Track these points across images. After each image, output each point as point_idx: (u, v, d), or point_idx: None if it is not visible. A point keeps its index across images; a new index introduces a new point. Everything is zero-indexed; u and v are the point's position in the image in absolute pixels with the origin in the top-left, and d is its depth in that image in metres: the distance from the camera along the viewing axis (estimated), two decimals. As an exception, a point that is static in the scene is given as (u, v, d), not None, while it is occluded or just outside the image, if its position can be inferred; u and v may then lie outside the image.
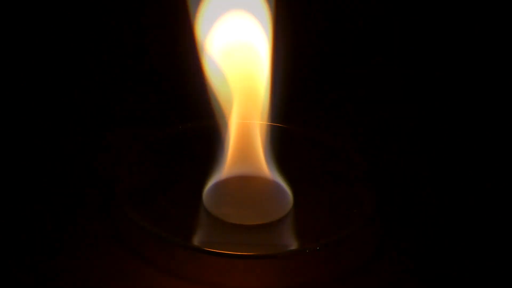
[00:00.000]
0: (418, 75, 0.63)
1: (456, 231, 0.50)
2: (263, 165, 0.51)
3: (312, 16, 0.63)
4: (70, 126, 0.58)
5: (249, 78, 0.51)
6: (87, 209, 0.50)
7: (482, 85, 0.62)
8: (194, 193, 0.51)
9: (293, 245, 0.48)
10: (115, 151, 0.55)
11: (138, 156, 0.52)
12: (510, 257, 0.49)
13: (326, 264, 0.47)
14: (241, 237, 0.48)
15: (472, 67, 0.62)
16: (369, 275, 0.47)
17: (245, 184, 0.51)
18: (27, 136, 0.56)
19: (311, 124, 0.57)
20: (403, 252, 0.49)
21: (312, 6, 0.64)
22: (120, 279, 0.46)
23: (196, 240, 0.48)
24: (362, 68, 0.63)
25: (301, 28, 0.63)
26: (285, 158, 0.52)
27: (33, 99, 0.60)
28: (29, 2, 0.62)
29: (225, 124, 0.51)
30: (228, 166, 0.51)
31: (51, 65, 0.62)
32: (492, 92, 0.61)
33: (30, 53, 0.62)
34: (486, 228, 0.51)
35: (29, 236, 0.49)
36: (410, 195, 0.53)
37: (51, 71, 0.61)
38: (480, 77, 0.62)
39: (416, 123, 0.60)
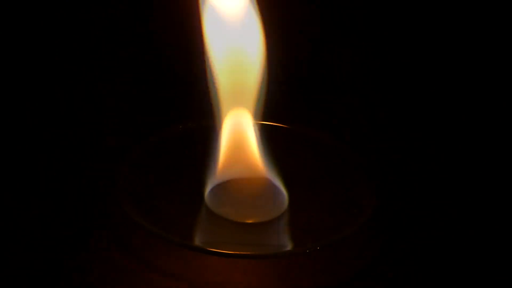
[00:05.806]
0: (418, 75, 0.63)
1: (457, 231, 0.50)
2: (260, 165, 0.51)
3: (310, 15, 0.63)
4: (69, 126, 0.58)
5: (239, 72, 0.51)
6: (86, 210, 0.50)
7: (482, 85, 0.62)
8: (193, 193, 0.51)
9: (293, 245, 0.48)
10: (115, 152, 0.55)
11: (138, 156, 0.52)
12: (511, 257, 0.49)
13: (326, 264, 0.47)
14: (241, 236, 0.48)
15: (471, 66, 0.62)
16: (370, 275, 0.47)
17: (244, 183, 0.51)
18: (26, 136, 0.56)
19: (310, 123, 0.57)
20: (403, 253, 0.49)
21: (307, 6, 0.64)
22: (120, 279, 0.46)
23: (196, 240, 0.48)
24: (361, 67, 0.63)
25: (296, 26, 0.63)
26: (285, 158, 0.52)
27: (33, 100, 0.60)
28: (28, 1, 0.62)
29: (222, 124, 0.51)
30: (225, 166, 0.51)
31: (51, 65, 0.62)
32: (492, 92, 0.62)
33: (29, 54, 0.62)
34: (488, 228, 0.51)
35: (28, 238, 0.49)
36: (410, 195, 0.53)
37: (50, 71, 0.61)
38: (480, 77, 0.62)
39: (416, 122, 0.60)
